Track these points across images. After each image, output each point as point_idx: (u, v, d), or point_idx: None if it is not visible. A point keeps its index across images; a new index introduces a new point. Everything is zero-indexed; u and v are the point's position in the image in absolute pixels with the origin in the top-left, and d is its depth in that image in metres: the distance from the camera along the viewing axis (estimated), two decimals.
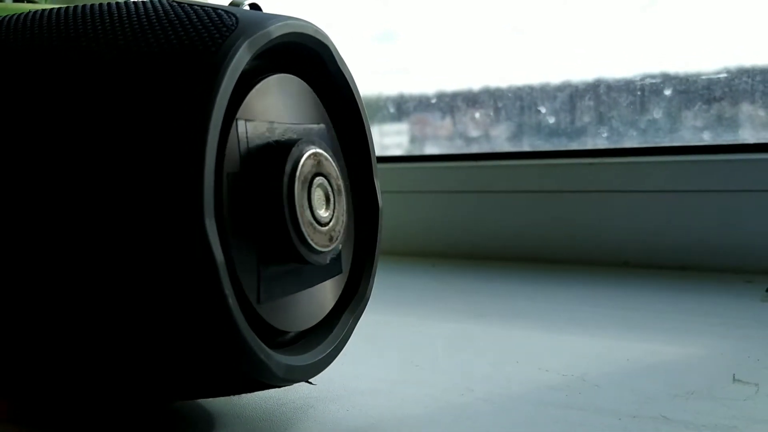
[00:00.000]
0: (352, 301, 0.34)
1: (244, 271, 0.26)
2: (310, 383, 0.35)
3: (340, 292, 0.33)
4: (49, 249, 0.25)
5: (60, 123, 0.25)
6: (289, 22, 0.29)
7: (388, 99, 0.85)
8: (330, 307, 0.33)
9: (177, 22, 0.26)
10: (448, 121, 0.83)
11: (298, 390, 0.36)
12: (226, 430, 0.31)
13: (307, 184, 0.28)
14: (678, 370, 0.37)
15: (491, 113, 0.78)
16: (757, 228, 0.60)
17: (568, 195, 0.68)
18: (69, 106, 0.25)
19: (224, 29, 0.25)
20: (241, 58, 0.25)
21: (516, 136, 0.77)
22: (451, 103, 0.81)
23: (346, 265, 0.34)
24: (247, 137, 0.27)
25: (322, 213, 0.29)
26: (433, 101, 0.83)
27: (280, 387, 0.30)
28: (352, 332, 0.34)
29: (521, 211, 0.71)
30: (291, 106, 0.30)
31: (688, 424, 0.30)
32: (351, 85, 0.34)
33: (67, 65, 0.26)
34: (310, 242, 0.28)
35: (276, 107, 0.29)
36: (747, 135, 0.64)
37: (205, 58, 0.24)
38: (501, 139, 0.79)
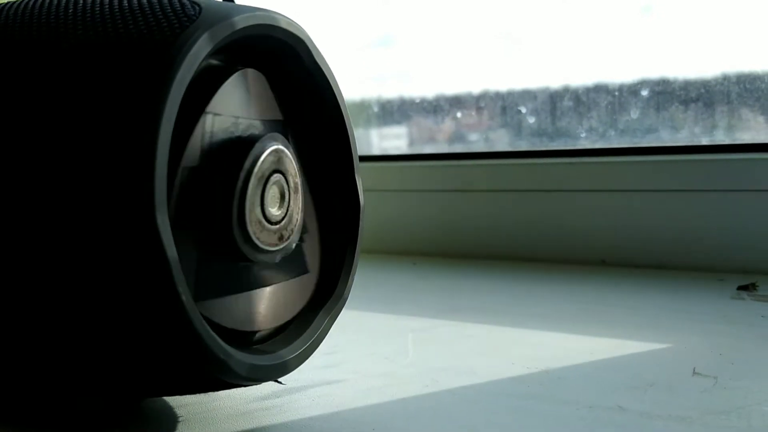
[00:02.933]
0: (328, 302, 0.33)
1: (185, 268, 0.25)
2: (279, 383, 0.35)
3: (311, 292, 0.32)
4: (6, 244, 0.25)
5: (13, 115, 0.25)
6: (256, 13, 0.28)
7: (387, 102, 0.86)
8: (300, 307, 0.32)
9: (138, 11, 0.26)
10: (446, 124, 0.84)
11: None
12: (187, 413, 0.32)
13: (263, 181, 0.28)
14: (640, 363, 0.38)
15: (485, 115, 0.79)
16: (731, 227, 0.61)
17: (546, 195, 0.69)
18: (21, 97, 0.25)
19: (185, 19, 0.25)
20: (199, 50, 0.25)
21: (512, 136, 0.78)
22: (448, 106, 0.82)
23: (314, 264, 0.33)
24: (212, 131, 0.27)
25: (274, 211, 0.28)
26: (432, 104, 0.83)
27: (245, 386, 0.29)
28: (326, 333, 0.32)
29: (501, 211, 0.71)
30: (255, 102, 0.30)
31: (643, 414, 0.31)
32: (330, 80, 0.33)
33: (24, 56, 0.26)
34: (255, 241, 0.27)
35: (241, 102, 0.29)
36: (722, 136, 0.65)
37: (161, 48, 0.24)
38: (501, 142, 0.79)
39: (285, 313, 0.31)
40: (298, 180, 0.30)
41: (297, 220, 0.30)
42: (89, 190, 0.24)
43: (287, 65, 0.31)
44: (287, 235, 0.29)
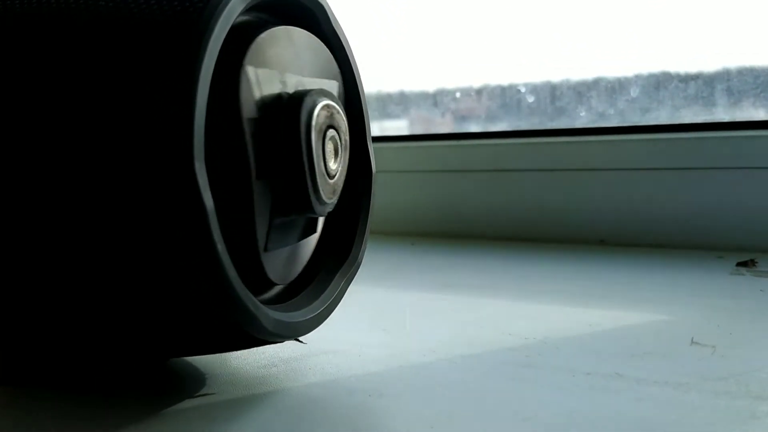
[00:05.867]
0: (344, 264, 0.34)
1: (260, 218, 0.27)
2: (300, 342, 0.36)
3: (311, 252, 0.34)
4: (38, 199, 0.26)
5: (55, 81, 0.26)
6: None
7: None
8: (302, 265, 0.33)
9: None
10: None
11: (260, 349, 0.36)
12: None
13: (321, 135, 0.29)
14: (639, 333, 0.38)
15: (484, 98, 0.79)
16: (730, 205, 0.60)
17: (545, 174, 0.69)
18: (62, 59, 0.26)
19: None
20: (232, 8, 0.26)
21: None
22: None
23: (319, 224, 0.34)
24: (259, 83, 0.27)
25: (332, 165, 0.30)
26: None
27: (269, 343, 0.30)
28: (343, 294, 0.34)
29: (500, 191, 0.71)
30: (303, 60, 0.30)
31: (640, 380, 0.31)
32: (345, 46, 0.34)
33: (59, 13, 0.26)
34: (321, 193, 0.29)
35: (286, 58, 0.29)
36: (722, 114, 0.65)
37: (198, 4, 0.25)
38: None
39: (297, 268, 0.32)
40: (348, 138, 0.31)
41: (344, 176, 0.31)
42: (133, 140, 0.24)
43: (306, 29, 0.32)
44: (338, 189, 0.30)
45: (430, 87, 0.83)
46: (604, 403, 0.29)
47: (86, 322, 0.28)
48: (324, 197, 0.29)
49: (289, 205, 0.28)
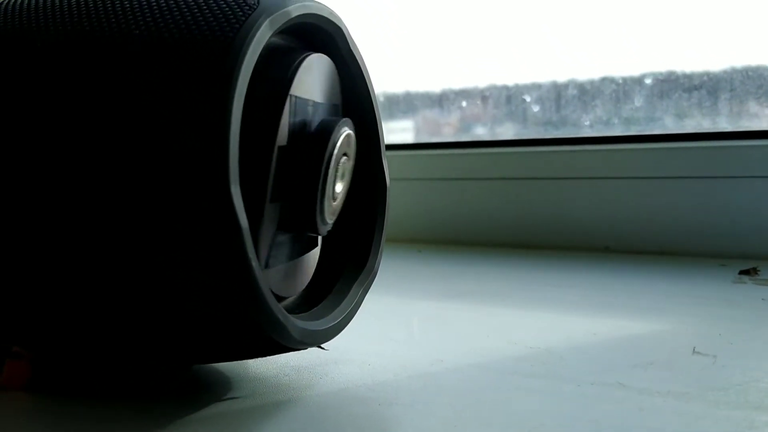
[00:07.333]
0: (361, 274, 0.36)
1: (263, 238, 0.28)
2: (323, 348, 0.37)
3: (314, 265, 0.35)
4: (77, 209, 0.27)
5: (93, 105, 0.27)
6: (306, 3, 0.31)
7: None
8: (307, 279, 0.34)
9: (203, 1, 0.28)
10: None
11: (270, 358, 0.37)
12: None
13: (337, 162, 0.31)
14: (641, 343, 0.39)
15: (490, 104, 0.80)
16: (734, 213, 0.61)
17: (551, 182, 0.70)
18: (97, 83, 0.27)
19: (247, 8, 0.28)
20: (262, 35, 0.27)
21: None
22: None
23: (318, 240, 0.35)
24: (295, 113, 0.29)
25: (338, 188, 0.31)
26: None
27: (296, 350, 0.32)
28: (361, 303, 0.35)
29: (507, 199, 0.72)
30: (322, 85, 0.32)
31: (643, 390, 0.32)
32: (362, 67, 0.36)
33: (98, 42, 0.28)
34: (325, 215, 0.30)
35: (313, 86, 0.31)
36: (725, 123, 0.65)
37: (229, 33, 0.27)
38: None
39: (299, 283, 0.33)
40: (352, 163, 0.33)
41: (343, 197, 0.33)
42: (173, 164, 0.26)
43: (326, 52, 0.34)
44: (337, 211, 0.32)
45: (436, 88, 0.84)
46: (607, 413, 0.29)
47: (124, 331, 0.29)
48: (327, 218, 0.31)
49: (294, 225, 0.30)
